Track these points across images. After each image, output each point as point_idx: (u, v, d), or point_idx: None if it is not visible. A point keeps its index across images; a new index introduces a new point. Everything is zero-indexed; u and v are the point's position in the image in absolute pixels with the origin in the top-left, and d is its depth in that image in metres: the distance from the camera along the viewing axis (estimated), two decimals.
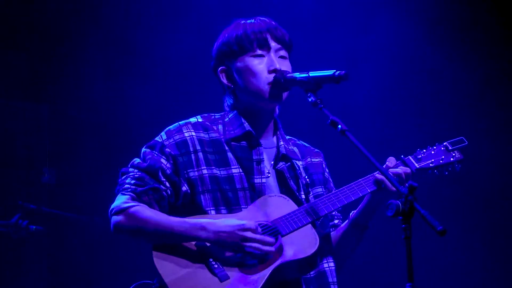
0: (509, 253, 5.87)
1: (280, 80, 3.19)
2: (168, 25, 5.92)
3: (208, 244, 3.10)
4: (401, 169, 3.26)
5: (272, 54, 3.28)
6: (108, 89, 6.05)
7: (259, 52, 3.28)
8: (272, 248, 3.08)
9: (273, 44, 3.29)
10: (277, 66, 3.25)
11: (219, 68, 3.35)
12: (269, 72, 3.25)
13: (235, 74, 3.31)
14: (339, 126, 2.95)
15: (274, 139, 3.38)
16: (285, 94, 3.27)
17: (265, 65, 3.26)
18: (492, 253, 5.87)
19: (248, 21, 3.33)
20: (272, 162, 3.32)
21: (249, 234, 3.06)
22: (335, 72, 3.04)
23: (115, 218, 3.14)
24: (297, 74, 3.15)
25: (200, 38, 5.65)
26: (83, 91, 6.06)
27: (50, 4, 5.80)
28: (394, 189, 3.20)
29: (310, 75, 3.10)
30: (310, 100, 3.07)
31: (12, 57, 5.97)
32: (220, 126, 3.32)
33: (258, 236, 3.07)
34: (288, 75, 3.19)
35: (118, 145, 5.93)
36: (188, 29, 5.89)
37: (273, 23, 3.34)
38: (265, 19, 3.35)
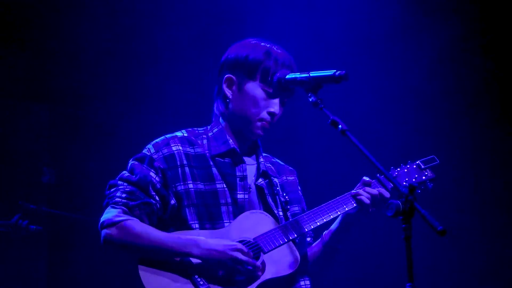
0: (509, 252, 5.87)
1: (281, 81, 3.23)
2: (168, 25, 5.92)
3: (193, 261, 3.15)
4: (377, 190, 3.32)
5: (278, 99, 3.32)
6: (109, 88, 6.05)
7: (272, 91, 3.30)
8: (259, 273, 3.14)
9: (287, 92, 3.31)
10: (277, 112, 3.32)
11: (227, 75, 3.35)
12: (268, 112, 3.30)
13: (238, 90, 3.33)
14: (340, 126, 2.97)
15: (254, 156, 3.44)
16: (266, 133, 3.33)
17: (268, 103, 3.30)
18: (492, 252, 5.87)
19: (279, 51, 3.33)
20: (253, 178, 3.38)
21: (239, 255, 3.12)
22: (335, 72, 3.07)
23: (106, 232, 3.17)
24: (297, 74, 3.19)
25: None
26: (83, 91, 6.06)
27: (50, 3, 5.80)
28: (371, 210, 3.29)
29: (311, 75, 3.13)
30: (310, 100, 3.09)
31: (12, 57, 5.96)
32: (205, 141, 3.36)
33: (248, 259, 3.13)
34: (289, 75, 3.21)
35: (118, 145, 5.93)
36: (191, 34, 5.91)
37: (295, 65, 3.35)
38: (288, 53, 3.36)
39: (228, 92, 3.34)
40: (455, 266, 5.88)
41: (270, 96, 3.30)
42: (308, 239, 3.51)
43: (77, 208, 5.95)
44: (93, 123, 6.16)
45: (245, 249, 3.13)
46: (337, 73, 3.05)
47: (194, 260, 3.14)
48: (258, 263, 3.15)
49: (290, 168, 3.58)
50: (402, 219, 2.69)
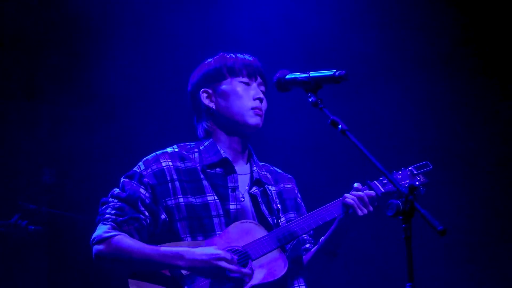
0: (509, 253, 5.87)
1: (280, 80, 3.22)
2: (168, 28, 5.93)
3: (183, 272, 3.20)
4: (364, 193, 3.35)
5: (255, 84, 3.44)
6: (110, 89, 6.05)
7: (246, 80, 3.43)
8: (246, 278, 3.18)
9: (258, 77, 3.46)
10: (262, 96, 3.42)
11: (202, 89, 3.45)
12: (254, 99, 3.40)
13: (218, 96, 3.43)
14: (340, 126, 2.97)
15: (248, 165, 3.48)
16: (261, 124, 3.41)
17: (250, 92, 3.41)
18: (492, 252, 5.87)
19: (238, 54, 3.49)
20: (247, 187, 3.42)
21: (223, 264, 3.15)
22: (335, 72, 3.07)
23: (97, 248, 3.29)
24: (297, 74, 3.18)
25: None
26: (83, 91, 6.06)
27: (49, 3, 5.81)
28: (361, 214, 3.32)
29: (311, 75, 3.13)
30: (310, 100, 3.09)
31: (12, 57, 5.96)
32: (196, 155, 3.42)
33: (233, 267, 3.17)
34: (289, 75, 3.22)
35: (118, 145, 5.93)
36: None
37: (260, 63, 3.51)
38: (253, 57, 3.51)
39: (210, 104, 3.44)
40: (455, 266, 5.88)
41: (247, 84, 3.43)
42: (308, 245, 3.55)
43: (77, 208, 5.96)
44: (93, 123, 6.16)
45: (228, 257, 3.17)
46: (337, 73, 3.05)
47: (184, 271, 3.20)
48: (245, 269, 3.19)
49: (289, 176, 3.63)
50: (402, 219, 2.69)
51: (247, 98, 3.40)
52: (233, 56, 3.48)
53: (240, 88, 3.41)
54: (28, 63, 6.01)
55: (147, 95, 6.05)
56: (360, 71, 5.70)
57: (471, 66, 5.96)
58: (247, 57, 3.49)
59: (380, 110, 5.94)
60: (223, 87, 3.42)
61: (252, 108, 3.39)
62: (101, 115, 6.16)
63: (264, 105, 3.44)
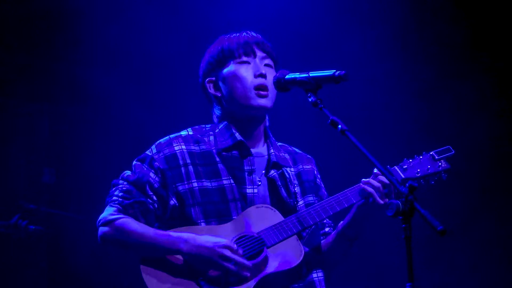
0: (509, 252, 5.87)
1: (280, 80, 3.20)
2: (165, 27, 5.92)
3: (196, 263, 3.13)
4: (378, 180, 3.25)
5: (257, 60, 3.36)
6: (109, 88, 6.05)
7: (244, 59, 3.36)
8: (247, 273, 3.12)
9: (258, 52, 3.38)
10: (263, 71, 3.33)
11: (207, 79, 3.42)
12: (255, 76, 3.32)
13: (221, 83, 3.38)
14: (339, 126, 2.96)
15: (265, 147, 3.42)
16: (271, 103, 3.33)
17: (251, 70, 3.34)
18: (492, 252, 5.87)
19: (233, 34, 3.42)
20: (264, 171, 3.35)
21: (227, 252, 3.11)
22: (335, 72, 3.06)
23: (101, 229, 3.24)
24: (297, 74, 3.17)
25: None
26: (83, 90, 6.06)
27: (49, 3, 5.80)
28: (382, 203, 3.22)
29: (310, 75, 3.12)
30: (310, 100, 3.08)
31: (13, 57, 5.96)
32: (212, 137, 3.37)
33: (237, 257, 3.11)
34: (288, 75, 3.20)
35: (118, 144, 5.93)
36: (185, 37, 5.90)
37: (260, 36, 3.43)
38: (252, 32, 3.44)
39: (216, 92, 3.39)
40: (455, 266, 5.88)
41: (248, 63, 3.35)
42: (327, 229, 3.46)
43: (77, 208, 5.96)
44: (93, 123, 6.16)
45: (234, 247, 3.12)
46: (336, 73, 3.03)
47: (197, 262, 3.13)
48: (247, 262, 3.12)
49: (308, 156, 3.55)
50: (402, 219, 2.69)
51: (249, 78, 3.33)
52: (228, 38, 3.41)
53: (241, 69, 3.34)
54: (27, 63, 6.01)
55: (147, 94, 6.06)
56: (360, 71, 5.70)
57: (472, 66, 5.96)
58: (243, 34, 3.41)
59: (379, 109, 5.95)
60: (224, 72, 3.37)
61: (255, 88, 3.31)
62: (101, 115, 6.16)
63: (270, 79, 3.33)
